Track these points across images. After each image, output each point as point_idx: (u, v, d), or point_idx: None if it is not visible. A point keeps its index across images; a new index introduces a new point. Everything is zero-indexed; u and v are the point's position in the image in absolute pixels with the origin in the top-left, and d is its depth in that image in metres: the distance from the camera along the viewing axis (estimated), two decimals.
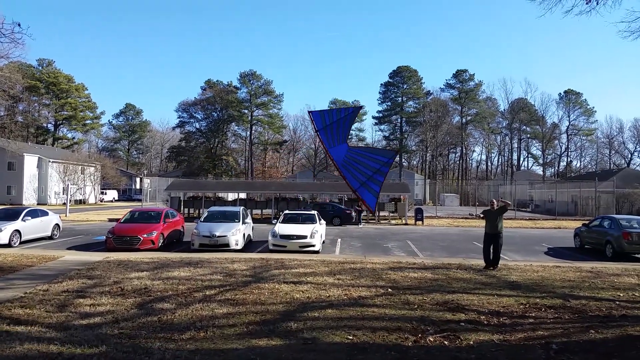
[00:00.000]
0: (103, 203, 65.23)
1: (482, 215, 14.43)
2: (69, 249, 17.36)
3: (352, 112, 9.24)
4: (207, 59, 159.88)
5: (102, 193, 69.22)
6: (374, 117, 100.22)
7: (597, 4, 10.05)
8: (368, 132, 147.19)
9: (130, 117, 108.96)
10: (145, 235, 16.87)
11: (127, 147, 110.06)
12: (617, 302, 9.12)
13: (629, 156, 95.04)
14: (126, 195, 79.74)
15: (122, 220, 18.79)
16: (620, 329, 7.19)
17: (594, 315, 8.11)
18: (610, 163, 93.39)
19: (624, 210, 40.68)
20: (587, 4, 10.10)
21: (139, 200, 56.22)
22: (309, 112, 9.66)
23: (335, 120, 8.90)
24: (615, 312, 8.29)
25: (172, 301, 8.64)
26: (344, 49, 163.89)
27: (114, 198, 72.81)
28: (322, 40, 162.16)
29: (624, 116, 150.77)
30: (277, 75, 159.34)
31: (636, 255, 17.21)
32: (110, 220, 30.72)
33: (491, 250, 13.43)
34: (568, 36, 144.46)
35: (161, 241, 17.45)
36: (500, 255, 13.63)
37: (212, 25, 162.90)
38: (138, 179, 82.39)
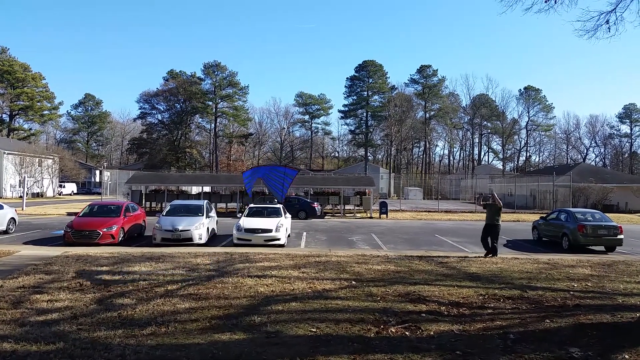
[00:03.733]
0: (61, 196, 63.31)
1: (483, 205, 16.02)
2: (25, 243, 16.82)
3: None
4: (170, 49, 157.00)
5: (60, 186, 67.14)
6: (339, 111, 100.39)
7: (555, 2, 10.34)
8: (334, 125, 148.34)
9: (89, 108, 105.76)
10: (105, 230, 16.49)
11: (87, 139, 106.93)
12: (572, 293, 9.46)
13: (585, 151, 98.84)
14: (85, 188, 77.64)
15: (81, 214, 18.29)
16: (574, 317, 7.47)
17: (550, 305, 8.39)
18: (567, 158, 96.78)
19: (579, 204, 42.11)
20: (545, 2, 10.37)
21: (99, 193, 54.82)
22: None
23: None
24: (570, 302, 8.60)
25: (132, 296, 8.48)
26: (311, 42, 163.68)
27: (72, 191, 70.79)
28: (288, 33, 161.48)
29: (580, 112, 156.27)
30: (242, 67, 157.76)
31: (590, 247, 17.88)
32: (69, 214, 29.88)
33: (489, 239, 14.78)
34: (528, 33, 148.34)
35: (121, 235, 17.08)
36: (495, 245, 14.74)
37: (175, 15, 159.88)
38: (98, 172, 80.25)
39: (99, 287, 9.21)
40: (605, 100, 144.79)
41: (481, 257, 14.52)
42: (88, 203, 20.88)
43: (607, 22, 10.51)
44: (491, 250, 14.65)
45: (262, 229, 16.76)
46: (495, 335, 6.50)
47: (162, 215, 18.15)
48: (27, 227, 22.09)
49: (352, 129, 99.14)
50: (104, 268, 11.24)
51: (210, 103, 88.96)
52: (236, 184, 36.28)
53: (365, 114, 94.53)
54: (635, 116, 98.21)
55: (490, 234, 14.73)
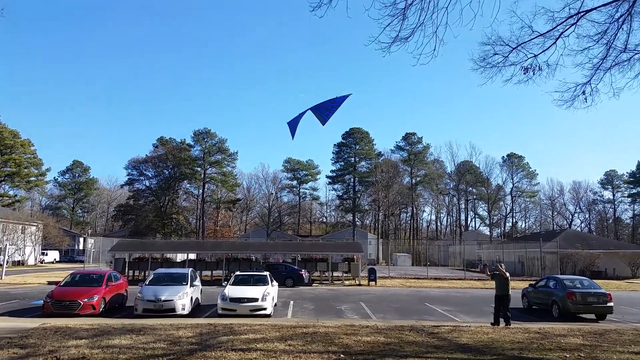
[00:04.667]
0: (43, 264, 61.75)
1: (491, 275, 15.92)
2: (1, 314, 16.23)
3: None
4: (160, 117, 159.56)
5: (42, 254, 65.65)
6: (327, 177, 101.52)
7: (534, 74, 10.81)
8: (322, 191, 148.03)
9: (77, 174, 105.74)
10: (85, 300, 16.00)
11: (72, 206, 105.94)
12: None
13: (570, 217, 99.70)
14: (68, 256, 76.01)
15: (62, 284, 17.81)
16: None
17: None
18: (553, 224, 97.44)
19: (567, 270, 42.05)
20: (524, 73, 10.84)
21: (82, 261, 53.70)
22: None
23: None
24: None
25: None
26: (300, 109, 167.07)
27: (55, 259, 69.20)
28: (278, 101, 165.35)
29: (563, 178, 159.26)
30: (232, 134, 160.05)
31: (581, 315, 17.67)
32: (50, 283, 29.06)
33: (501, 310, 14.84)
34: (509, 102, 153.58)
35: (102, 306, 16.57)
36: (508, 314, 14.80)
37: (166, 84, 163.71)
38: (82, 239, 78.94)
39: None
40: (587, 165, 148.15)
41: (472, 327, 14.25)
42: (70, 272, 20.39)
43: (584, 92, 10.97)
44: (505, 320, 14.68)
45: (247, 298, 16.38)
46: None
47: (145, 284, 17.72)
48: (5, 297, 21.38)
49: (340, 194, 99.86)
50: (82, 341, 10.79)
51: (199, 169, 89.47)
52: (222, 251, 35.81)
53: (352, 179, 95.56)
54: (617, 182, 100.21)
55: (502, 304, 14.81)
